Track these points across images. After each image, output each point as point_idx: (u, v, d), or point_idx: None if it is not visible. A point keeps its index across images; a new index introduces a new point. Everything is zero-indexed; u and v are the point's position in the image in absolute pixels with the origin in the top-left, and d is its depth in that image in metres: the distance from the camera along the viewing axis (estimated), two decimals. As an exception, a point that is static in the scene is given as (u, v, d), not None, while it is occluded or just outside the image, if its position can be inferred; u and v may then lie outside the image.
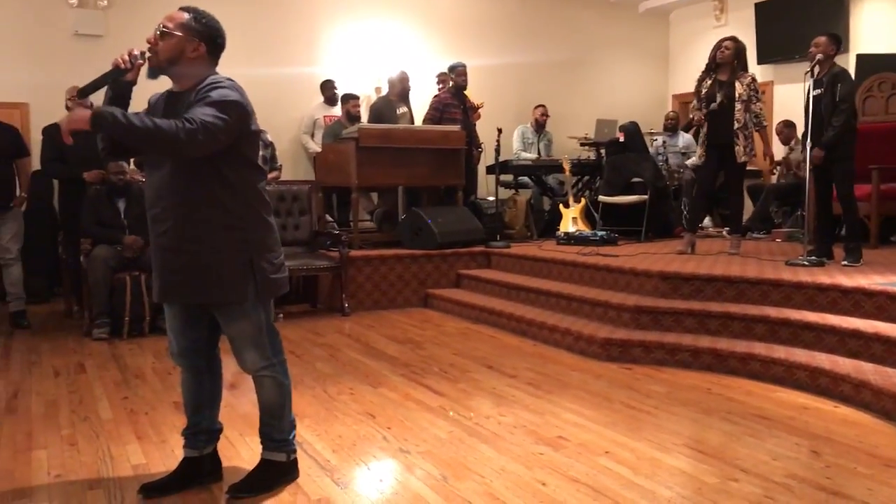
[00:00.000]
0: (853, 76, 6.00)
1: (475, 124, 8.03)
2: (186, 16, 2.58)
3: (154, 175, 2.62)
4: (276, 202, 6.41)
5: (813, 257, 5.29)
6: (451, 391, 4.07)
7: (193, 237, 2.57)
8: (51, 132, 6.03)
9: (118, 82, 2.55)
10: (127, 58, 2.53)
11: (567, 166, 7.95)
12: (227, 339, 2.74)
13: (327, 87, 8.34)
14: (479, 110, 8.10)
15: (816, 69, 5.36)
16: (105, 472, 2.98)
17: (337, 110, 8.27)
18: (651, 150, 8.69)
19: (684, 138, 8.99)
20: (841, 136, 5.25)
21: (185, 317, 2.73)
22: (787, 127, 7.97)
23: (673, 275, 5.12)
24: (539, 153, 8.94)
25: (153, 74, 2.60)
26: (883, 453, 3.10)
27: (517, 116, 9.26)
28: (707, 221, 8.27)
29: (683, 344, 4.54)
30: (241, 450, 3.18)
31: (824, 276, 4.70)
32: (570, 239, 7.09)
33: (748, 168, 6.54)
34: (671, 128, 9.09)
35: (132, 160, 5.99)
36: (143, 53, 2.55)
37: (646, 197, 7.47)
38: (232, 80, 2.60)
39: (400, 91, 7.75)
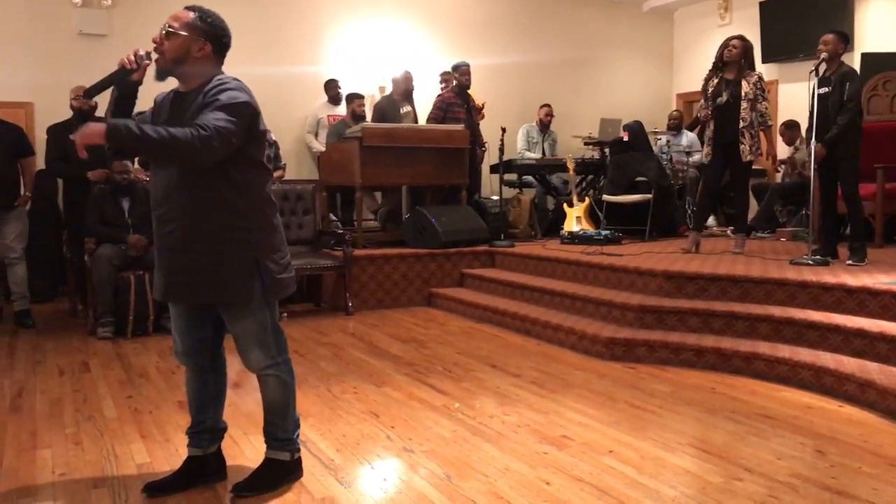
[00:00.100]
0: (858, 75, 5.99)
1: (479, 123, 8.03)
2: (192, 15, 2.59)
3: (160, 175, 2.62)
4: (280, 201, 6.41)
5: (818, 256, 5.28)
6: (455, 390, 4.06)
7: (200, 237, 2.57)
8: (55, 131, 6.05)
9: (124, 82, 2.55)
10: (133, 58, 2.53)
11: (571, 165, 7.94)
12: (231, 338, 2.75)
13: (331, 87, 8.34)
14: (483, 110, 8.11)
15: (822, 67, 5.35)
16: (109, 470, 2.98)
17: (340, 109, 8.27)
18: (655, 149, 8.69)
19: (688, 137, 8.98)
20: (844, 134, 5.23)
21: (191, 316, 2.73)
22: (789, 129, 7.96)
23: (677, 274, 5.11)
24: (544, 153, 8.93)
25: (161, 76, 2.61)
26: (888, 453, 3.09)
27: (521, 116, 9.25)
28: (711, 221, 8.26)
29: (687, 343, 4.53)
30: (245, 449, 3.18)
31: (829, 276, 4.69)
32: (574, 238, 7.08)
33: (753, 167, 6.52)
34: (675, 127, 9.08)
35: (136, 159, 6.01)
36: (148, 53, 2.55)
37: (650, 196, 7.46)
38: (238, 80, 2.60)
39: (404, 90, 7.76)
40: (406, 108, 7.72)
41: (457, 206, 7.38)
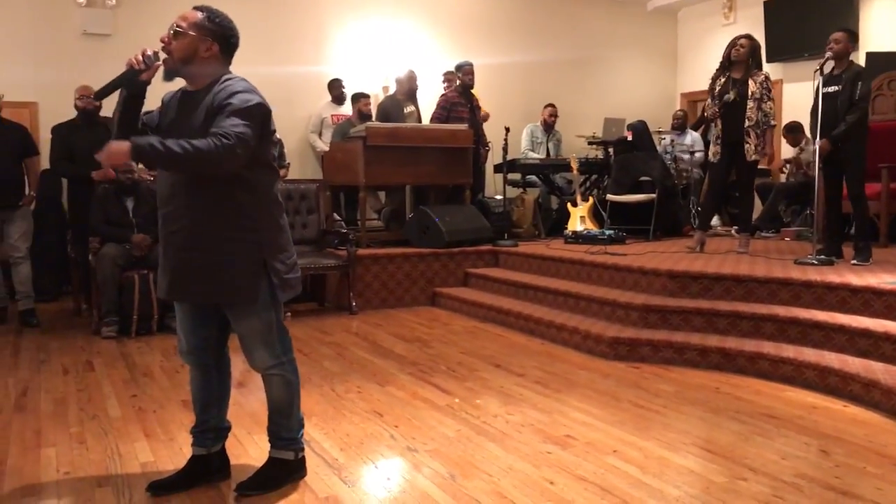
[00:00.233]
0: (862, 75, 5.98)
1: (482, 123, 8.02)
2: (200, 15, 2.59)
3: (168, 174, 2.62)
4: (284, 201, 6.31)
5: (822, 256, 5.27)
6: (459, 390, 4.06)
7: (207, 237, 2.57)
8: (59, 131, 6.06)
9: (133, 82, 2.55)
10: (141, 58, 2.54)
11: (575, 165, 7.94)
12: (236, 337, 2.75)
13: (335, 86, 8.35)
14: (486, 114, 8.14)
15: (828, 65, 5.33)
16: (113, 469, 2.99)
17: (344, 109, 8.28)
18: (659, 148, 8.68)
19: (691, 136, 8.97)
20: (851, 131, 5.22)
21: (196, 315, 2.74)
22: (791, 132, 7.94)
23: (681, 274, 5.11)
24: (548, 153, 8.93)
25: (169, 77, 2.61)
26: (892, 453, 3.08)
27: (525, 115, 9.25)
28: (715, 220, 8.25)
29: (692, 343, 4.52)
30: (249, 448, 3.18)
31: (834, 275, 4.68)
32: (578, 238, 7.08)
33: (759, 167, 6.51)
34: (679, 126, 9.07)
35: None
36: (156, 53, 2.56)
37: (654, 196, 7.45)
38: (245, 80, 2.61)
39: (407, 90, 7.76)
40: (410, 108, 7.72)
41: (460, 205, 7.38)
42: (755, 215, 7.31)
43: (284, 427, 2.81)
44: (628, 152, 8.17)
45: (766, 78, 5.82)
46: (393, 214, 7.82)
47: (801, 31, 8.62)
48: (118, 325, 5.45)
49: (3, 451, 3.18)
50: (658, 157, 7.99)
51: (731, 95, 5.76)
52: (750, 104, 5.73)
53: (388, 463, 3.06)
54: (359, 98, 7.89)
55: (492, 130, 8.24)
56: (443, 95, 7.86)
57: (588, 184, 8.78)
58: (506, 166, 7.72)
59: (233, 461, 2.94)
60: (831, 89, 5.33)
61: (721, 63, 5.94)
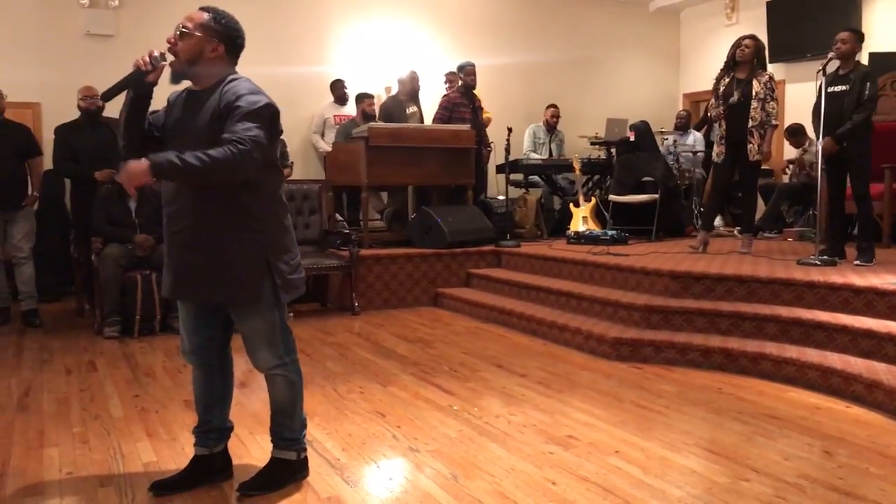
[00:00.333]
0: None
1: (486, 124, 8.03)
2: (206, 16, 2.59)
3: None
4: (286, 201, 6.40)
5: (825, 257, 5.26)
6: (461, 390, 4.06)
7: (211, 236, 2.58)
8: (62, 132, 6.07)
9: (140, 83, 2.56)
10: (148, 59, 2.54)
11: (577, 165, 7.94)
12: (238, 338, 2.75)
13: (337, 87, 8.35)
14: (488, 119, 8.16)
15: (831, 65, 5.32)
16: (116, 469, 2.99)
17: (346, 110, 8.29)
18: (662, 149, 8.67)
19: (694, 137, 8.97)
20: (856, 130, 5.21)
21: (200, 315, 2.74)
22: (793, 135, 7.93)
23: (683, 274, 5.10)
24: (551, 153, 8.93)
25: (176, 80, 2.62)
26: (895, 453, 3.08)
27: (527, 116, 9.25)
28: (718, 221, 8.24)
29: (694, 343, 4.52)
30: (251, 448, 3.18)
31: (836, 276, 4.68)
32: (581, 238, 7.08)
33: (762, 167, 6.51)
34: (682, 126, 9.07)
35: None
36: (163, 54, 2.56)
37: (656, 196, 7.45)
38: (250, 81, 2.62)
39: (410, 90, 7.76)
40: (412, 109, 7.72)
41: (463, 206, 7.38)
42: (758, 216, 7.30)
43: (287, 427, 2.82)
44: (631, 153, 8.17)
45: (771, 78, 5.82)
46: (395, 215, 7.83)
47: (804, 32, 8.62)
48: (121, 325, 5.45)
49: (5, 451, 3.19)
50: (661, 158, 7.99)
51: (735, 98, 5.75)
52: (754, 104, 5.73)
53: (390, 463, 3.06)
54: (363, 98, 7.90)
55: (494, 131, 8.25)
56: (445, 96, 7.86)
57: (590, 184, 8.77)
58: (508, 167, 7.71)
59: (235, 461, 2.95)
60: (838, 89, 5.31)
61: (726, 63, 5.93)
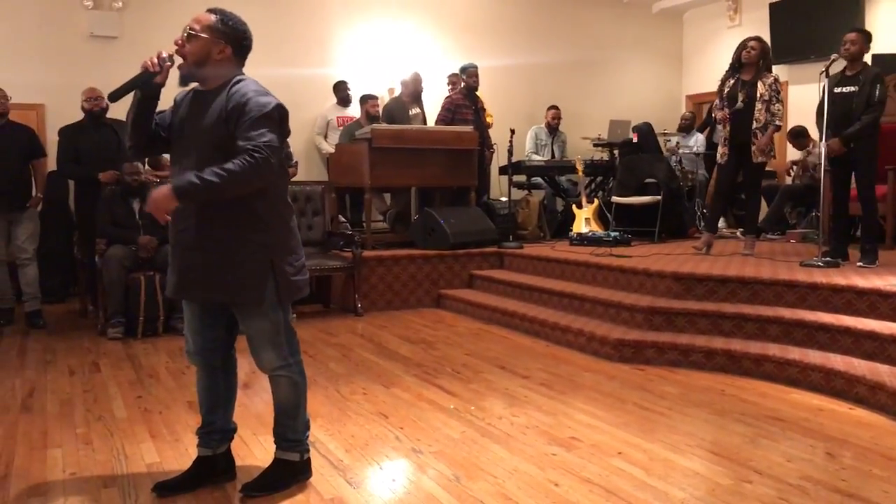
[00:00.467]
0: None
1: (487, 125, 8.03)
2: (213, 18, 2.60)
3: (179, 173, 2.64)
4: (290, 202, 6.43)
5: (828, 258, 5.26)
6: (464, 391, 4.07)
7: (216, 236, 2.59)
8: (66, 133, 6.08)
9: (148, 84, 2.57)
10: (156, 60, 2.55)
11: (580, 167, 7.94)
12: (242, 339, 2.76)
13: (341, 89, 8.37)
14: (490, 121, 8.17)
15: (835, 66, 5.30)
16: (119, 470, 3.00)
17: (350, 111, 8.30)
18: (665, 150, 8.67)
19: (696, 138, 8.97)
20: (864, 132, 5.20)
21: (204, 316, 2.75)
22: (796, 137, 7.92)
23: (686, 276, 5.10)
24: (553, 154, 8.93)
25: (184, 82, 2.64)
26: (899, 456, 3.08)
27: (529, 117, 9.25)
28: (721, 222, 8.24)
29: (697, 345, 4.52)
30: (254, 449, 3.19)
31: (839, 278, 4.67)
32: (583, 239, 7.08)
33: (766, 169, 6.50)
34: (686, 128, 9.07)
35: (146, 160, 6.04)
36: (171, 56, 2.58)
37: (659, 198, 7.44)
38: (256, 82, 2.63)
39: (412, 92, 7.77)
40: (415, 110, 7.74)
41: (466, 207, 7.38)
42: (760, 217, 7.30)
43: (290, 428, 2.82)
44: (633, 154, 8.16)
45: (776, 80, 5.80)
46: (398, 216, 7.83)
47: (807, 33, 8.61)
48: (124, 326, 5.47)
49: (9, 452, 3.20)
50: (663, 159, 7.98)
51: (740, 104, 5.74)
52: (758, 106, 5.72)
53: (393, 464, 3.06)
54: (367, 100, 7.91)
55: (497, 132, 8.25)
56: (447, 98, 7.87)
57: (593, 186, 8.77)
58: (511, 168, 7.72)
59: (238, 462, 2.95)
60: (846, 89, 5.30)
61: (731, 65, 5.92)
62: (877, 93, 5.19)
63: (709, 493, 2.72)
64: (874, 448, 3.16)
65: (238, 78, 2.62)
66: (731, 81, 5.89)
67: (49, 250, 6.52)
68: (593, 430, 3.42)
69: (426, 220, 7.02)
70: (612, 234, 7.04)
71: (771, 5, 9.12)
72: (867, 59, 7.66)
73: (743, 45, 5.85)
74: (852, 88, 5.28)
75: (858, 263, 5.25)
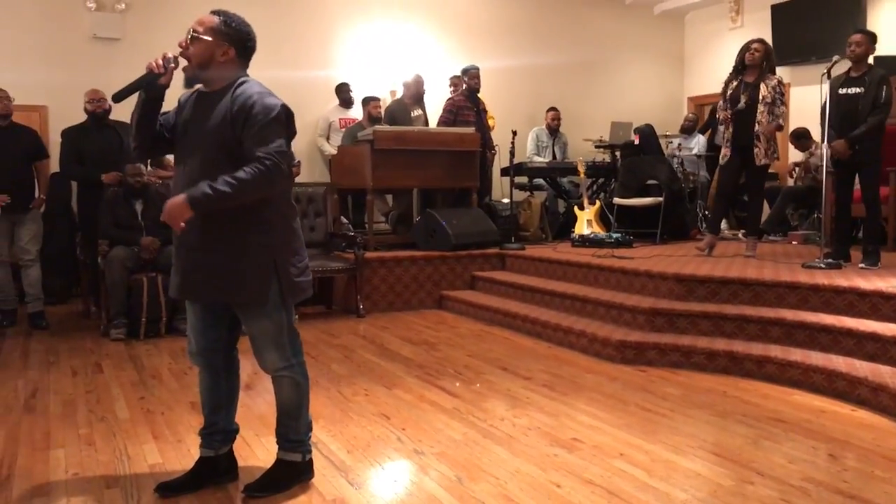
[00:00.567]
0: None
1: (489, 127, 8.04)
2: (216, 20, 2.61)
3: (182, 172, 2.65)
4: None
5: (830, 260, 5.25)
6: (466, 393, 4.07)
7: (220, 237, 2.60)
8: (69, 134, 6.09)
9: (152, 85, 2.58)
10: (161, 62, 2.57)
11: (582, 168, 7.94)
12: (245, 340, 2.76)
13: (343, 90, 8.38)
14: (492, 122, 8.19)
15: (837, 67, 5.30)
16: (122, 470, 3.00)
17: (352, 113, 8.32)
18: (667, 152, 8.67)
19: (697, 140, 8.97)
20: (870, 134, 5.19)
21: (207, 316, 2.75)
22: (798, 139, 7.92)
23: (688, 277, 5.10)
24: (554, 156, 8.93)
25: (189, 84, 2.65)
26: (901, 457, 3.08)
27: (531, 119, 9.26)
28: (723, 224, 8.24)
29: (699, 346, 4.52)
30: (256, 450, 3.19)
31: (841, 279, 4.67)
32: (585, 241, 7.08)
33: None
34: (688, 129, 9.07)
35: (149, 161, 6.05)
36: (176, 58, 2.59)
37: (661, 199, 7.44)
38: (259, 83, 2.64)
39: (414, 94, 7.78)
40: (417, 112, 7.74)
41: (467, 208, 7.39)
42: (762, 219, 7.30)
43: (293, 429, 2.82)
44: (635, 156, 8.17)
45: (779, 82, 5.80)
46: (400, 218, 7.84)
47: (809, 35, 8.61)
48: (127, 327, 5.47)
49: (12, 452, 3.21)
50: (665, 161, 7.99)
51: (742, 105, 5.74)
52: (760, 108, 5.72)
53: (394, 465, 3.06)
54: (369, 101, 7.92)
55: (498, 134, 8.26)
56: (449, 99, 7.88)
57: (595, 187, 8.78)
58: (513, 170, 7.73)
59: (241, 463, 2.96)
60: (851, 91, 5.30)
61: (734, 67, 5.92)
62: (883, 94, 5.19)
63: (710, 494, 2.73)
64: (876, 450, 3.16)
65: (242, 79, 2.63)
66: (735, 83, 5.90)
67: (52, 251, 6.53)
68: (595, 431, 3.42)
69: (428, 222, 7.03)
70: (614, 235, 7.04)
71: (773, 7, 9.12)
72: (869, 62, 7.71)
73: (746, 48, 5.85)
74: (858, 90, 5.27)
75: (860, 265, 5.25)
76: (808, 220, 7.73)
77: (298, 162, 7.42)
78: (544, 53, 9.78)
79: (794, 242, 7.25)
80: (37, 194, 6.05)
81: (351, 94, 8.37)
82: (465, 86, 7.78)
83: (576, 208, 7.77)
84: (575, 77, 10.06)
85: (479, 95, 7.84)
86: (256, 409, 3.74)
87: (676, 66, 10.91)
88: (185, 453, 3.16)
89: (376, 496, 2.76)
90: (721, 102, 5.99)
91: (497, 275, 6.77)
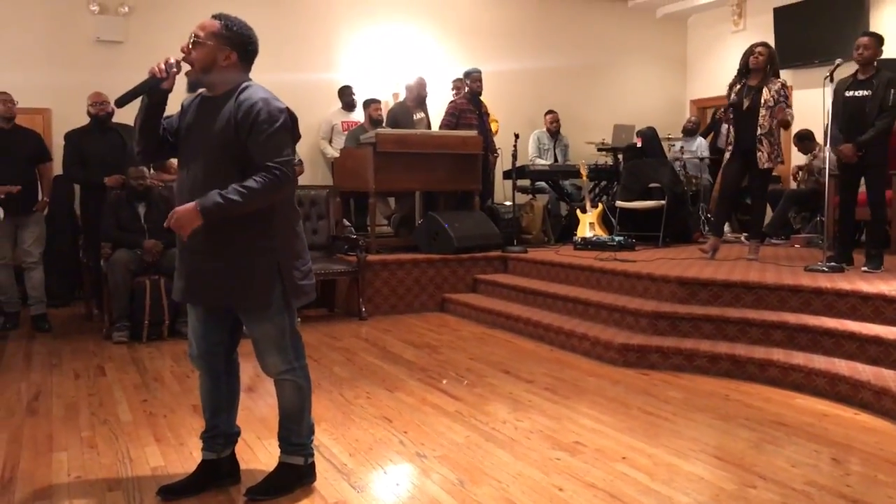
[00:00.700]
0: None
1: (492, 130, 8.04)
2: (217, 24, 2.62)
3: (186, 176, 2.66)
4: (294, 207, 6.45)
5: (832, 263, 5.25)
6: (468, 396, 4.07)
7: (224, 241, 2.60)
8: (72, 137, 6.10)
9: (155, 90, 2.59)
10: (163, 66, 2.57)
11: (584, 171, 7.94)
12: (246, 343, 2.77)
13: (345, 93, 8.39)
14: (495, 126, 8.19)
15: (839, 71, 5.30)
16: (124, 473, 3.01)
17: (354, 116, 8.32)
18: (669, 155, 8.67)
19: (698, 143, 8.97)
20: (878, 138, 5.18)
21: (208, 320, 2.76)
22: (802, 140, 7.92)
23: (690, 280, 5.10)
24: (556, 158, 8.93)
25: (192, 88, 2.66)
26: (904, 461, 3.07)
27: (532, 122, 9.26)
28: (725, 227, 8.24)
29: (701, 350, 4.51)
30: (258, 453, 3.19)
31: (844, 282, 4.67)
32: (588, 244, 7.07)
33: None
34: (690, 131, 9.07)
35: (151, 165, 6.06)
36: (178, 62, 2.60)
37: (663, 202, 7.44)
38: (263, 88, 2.65)
39: (417, 97, 7.79)
40: (419, 115, 7.75)
41: (470, 211, 7.39)
42: (765, 222, 7.29)
43: (295, 432, 2.83)
44: (638, 159, 8.16)
45: (783, 85, 5.79)
46: (402, 220, 7.84)
47: (812, 38, 8.59)
48: (129, 330, 5.47)
49: (15, 455, 3.21)
50: (667, 164, 7.98)
51: (744, 106, 5.74)
52: (762, 112, 5.71)
53: (396, 468, 3.06)
54: (369, 104, 7.93)
55: (501, 137, 8.26)
56: (452, 102, 7.89)
57: (597, 190, 8.78)
58: (515, 172, 7.73)
59: (243, 466, 2.96)
60: (858, 93, 5.29)
61: (739, 70, 5.92)
62: (891, 97, 5.18)
63: (713, 498, 2.72)
64: (879, 453, 3.15)
65: (245, 84, 2.64)
66: (738, 87, 5.90)
67: (55, 254, 6.53)
68: (597, 434, 3.42)
69: (430, 225, 7.03)
70: (617, 238, 7.03)
71: (775, 10, 9.11)
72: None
73: (750, 51, 5.84)
74: (865, 92, 5.26)
75: (863, 268, 5.24)
76: (811, 224, 7.73)
77: (300, 161, 7.43)
78: (546, 56, 9.78)
79: (796, 245, 7.24)
80: (40, 197, 6.06)
81: (354, 97, 8.38)
82: (467, 89, 7.78)
83: (578, 211, 7.77)
84: (577, 80, 10.06)
85: (482, 98, 7.85)
86: (258, 412, 3.74)
87: (679, 69, 10.91)
88: (187, 456, 3.16)
89: (378, 499, 2.76)
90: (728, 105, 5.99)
91: (499, 278, 6.77)
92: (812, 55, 8.58)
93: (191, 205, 2.48)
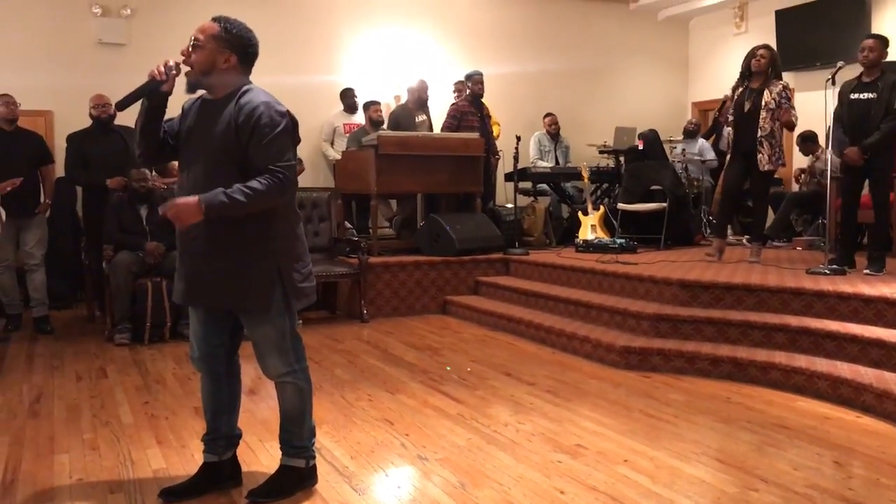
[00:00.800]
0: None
1: (493, 132, 8.05)
2: (217, 27, 2.62)
3: (187, 179, 2.66)
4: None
5: (834, 266, 5.24)
6: (470, 398, 4.06)
7: (224, 244, 2.61)
8: (74, 140, 6.12)
9: (155, 93, 2.59)
10: (163, 69, 2.58)
11: (586, 174, 7.94)
12: (247, 345, 2.77)
13: (347, 96, 8.40)
14: (497, 129, 8.19)
15: (841, 73, 5.29)
16: (126, 476, 3.01)
17: (356, 118, 8.33)
18: (670, 157, 8.66)
19: (700, 145, 8.97)
20: (884, 141, 5.18)
21: (209, 322, 2.76)
22: (804, 142, 7.91)
23: (692, 283, 5.10)
24: (557, 161, 8.93)
25: (191, 89, 2.66)
26: (906, 464, 3.07)
27: (533, 124, 9.25)
28: (727, 230, 8.23)
29: (703, 352, 4.51)
30: (260, 455, 3.19)
31: (846, 285, 4.66)
32: (589, 246, 7.07)
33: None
34: (691, 133, 9.06)
35: (153, 168, 6.07)
36: (178, 65, 2.60)
37: (665, 205, 7.43)
38: (263, 90, 2.65)
39: (418, 99, 7.79)
40: (421, 117, 7.75)
41: (471, 213, 7.39)
42: (766, 224, 7.29)
43: (296, 435, 2.83)
44: (639, 161, 8.16)
45: (785, 87, 5.77)
46: (404, 223, 7.84)
47: (813, 40, 8.59)
48: (131, 332, 5.48)
49: (16, 457, 3.21)
50: (669, 166, 7.98)
51: (743, 104, 5.74)
52: (763, 115, 5.71)
53: (398, 471, 3.06)
54: (370, 106, 7.94)
55: (502, 139, 8.26)
56: (453, 105, 7.88)
57: (599, 192, 8.77)
58: (516, 175, 7.73)
59: (244, 468, 2.96)
60: (863, 96, 5.28)
61: (741, 73, 5.92)
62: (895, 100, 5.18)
63: (714, 501, 2.72)
64: (881, 457, 3.15)
65: (246, 87, 2.64)
66: (741, 89, 5.90)
67: (57, 256, 6.54)
68: (599, 437, 3.42)
69: (432, 227, 7.03)
70: (618, 240, 7.03)
71: (777, 12, 9.11)
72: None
73: (752, 54, 5.84)
74: (870, 95, 5.25)
75: (865, 271, 5.24)
76: (813, 226, 7.72)
77: (300, 160, 7.42)
78: (548, 59, 9.79)
79: (798, 248, 7.23)
80: (42, 199, 6.06)
81: (355, 99, 8.39)
82: (468, 91, 7.79)
83: (580, 213, 7.77)
84: (579, 82, 10.06)
85: (483, 101, 7.85)
86: (260, 415, 3.74)
87: (680, 72, 10.91)
88: (188, 458, 3.16)
89: (379, 502, 2.76)
90: (731, 108, 5.99)
91: (501, 280, 6.77)
92: (814, 58, 8.57)
93: (193, 198, 2.48)
